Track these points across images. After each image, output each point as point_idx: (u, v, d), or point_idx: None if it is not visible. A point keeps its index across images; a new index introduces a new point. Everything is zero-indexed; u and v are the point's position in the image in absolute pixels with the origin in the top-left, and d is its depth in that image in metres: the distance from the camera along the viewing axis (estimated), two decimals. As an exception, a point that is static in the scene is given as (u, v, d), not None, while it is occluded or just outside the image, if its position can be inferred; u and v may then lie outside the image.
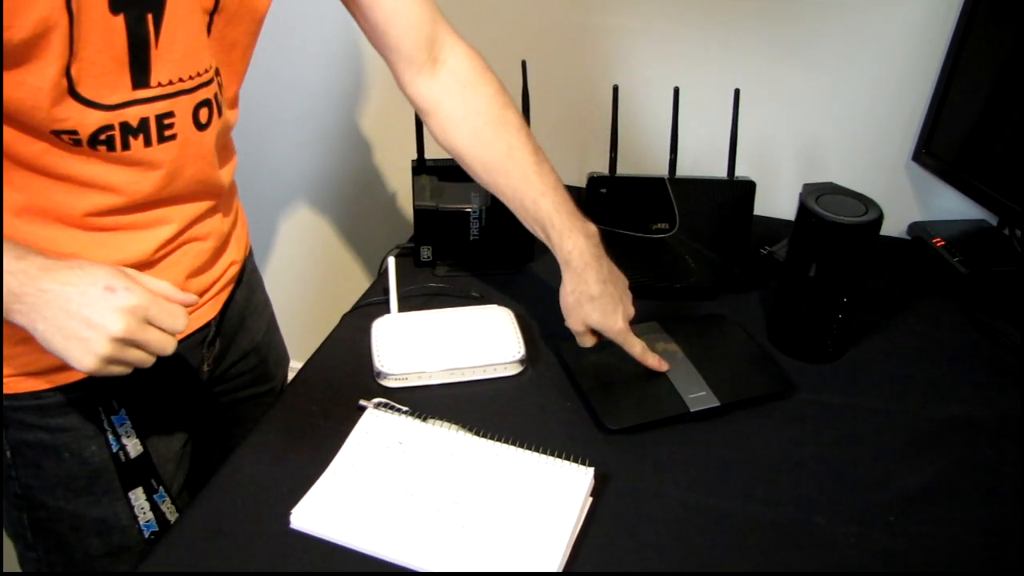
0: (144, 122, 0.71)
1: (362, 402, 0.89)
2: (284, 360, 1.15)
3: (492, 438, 0.84)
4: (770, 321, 1.05)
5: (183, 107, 0.73)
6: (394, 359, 0.93)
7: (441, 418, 0.86)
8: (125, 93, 0.69)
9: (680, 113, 1.00)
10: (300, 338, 1.24)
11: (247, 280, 1.01)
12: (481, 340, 0.96)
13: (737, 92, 0.98)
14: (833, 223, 0.90)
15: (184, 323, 0.67)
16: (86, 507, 0.86)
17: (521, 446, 0.83)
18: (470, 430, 0.85)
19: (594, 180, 1.04)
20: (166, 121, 0.72)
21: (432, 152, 1.06)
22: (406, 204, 1.08)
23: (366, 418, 0.86)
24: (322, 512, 0.76)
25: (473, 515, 0.75)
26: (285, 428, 0.87)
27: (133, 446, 0.86)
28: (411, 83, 0.91)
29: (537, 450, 0.82)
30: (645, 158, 1.03)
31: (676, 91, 0.99)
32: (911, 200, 1.27)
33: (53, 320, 0.62)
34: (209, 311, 0.91)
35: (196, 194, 0.82)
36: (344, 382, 0.93)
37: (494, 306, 1.03)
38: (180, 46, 0.70)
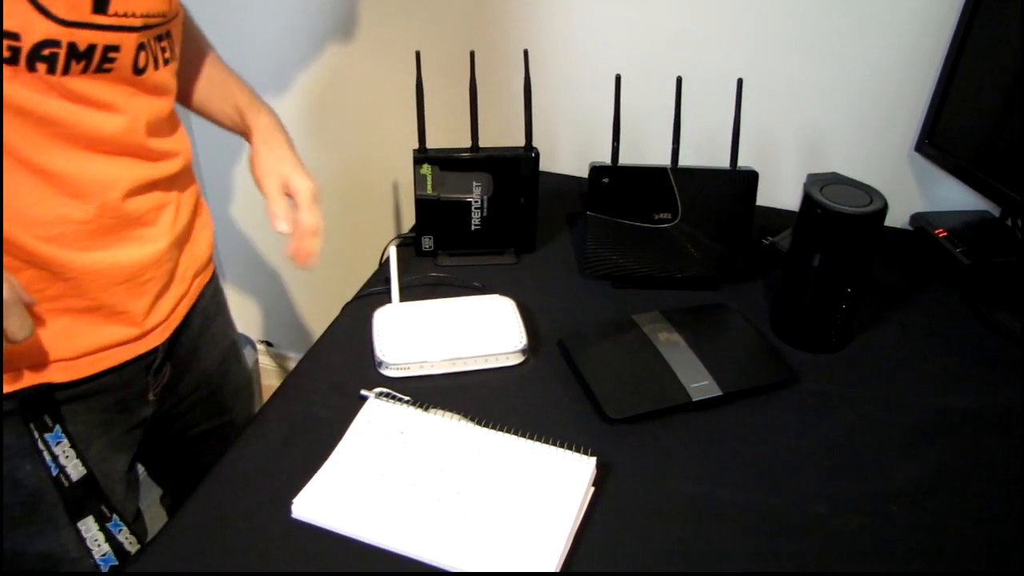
0: (91, 48, 0.68)
1: (363, 392, 0.89)
2: (245, 391, 1.10)
3: (494, 427, 0.84)
4: (773, 311, 1.04)
5: (129, 44, 0.71)
6: (395, 349, 0.93)
7: (442, 407, 0.86)
8: (83, 14, 0.66)
9: (683, 103, 1.00)
10: (301, 328, 1.23)
11: (203, 308, 0.97)
12: (483, 330, 0.96)
13: (740, 82, 0.97)
14: (838, 213, 0.90)
15: (29, 330, 0.63)
16: (27, 541, 0.79)
17: (523, 435, 0.83)
18: (472, 419, 0.85)
19: (596, 170, 1.03)
20: (111, 55, 0.70)
21: (433, 141, 1.06)
22: (407, 194, 1.08)
23: (367, 408, 0.86)
24: (323, 502, 0.76)
25: (475, 504, 0.75)
26: (286, 418, 0.87)
27: (74, 467, 0.80)
28: None
29: (539, 439, 0.82)
30: (647, 148, 1.02)
31: (679, 81, 0.99)
32: (913, 190, 1.26)
33: None
34: (156, 338, 0.86)
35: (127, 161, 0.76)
36: (345, 372, 0.92)
37: (496, 296, 1.02)
38: None
